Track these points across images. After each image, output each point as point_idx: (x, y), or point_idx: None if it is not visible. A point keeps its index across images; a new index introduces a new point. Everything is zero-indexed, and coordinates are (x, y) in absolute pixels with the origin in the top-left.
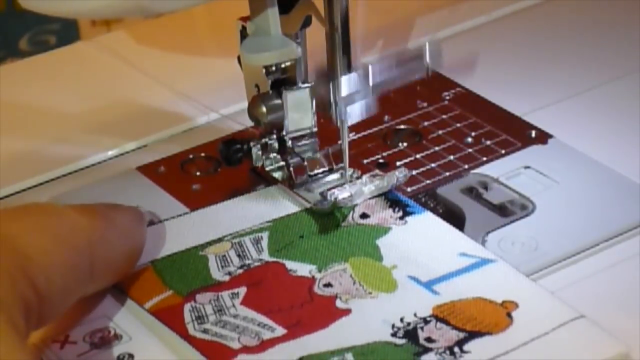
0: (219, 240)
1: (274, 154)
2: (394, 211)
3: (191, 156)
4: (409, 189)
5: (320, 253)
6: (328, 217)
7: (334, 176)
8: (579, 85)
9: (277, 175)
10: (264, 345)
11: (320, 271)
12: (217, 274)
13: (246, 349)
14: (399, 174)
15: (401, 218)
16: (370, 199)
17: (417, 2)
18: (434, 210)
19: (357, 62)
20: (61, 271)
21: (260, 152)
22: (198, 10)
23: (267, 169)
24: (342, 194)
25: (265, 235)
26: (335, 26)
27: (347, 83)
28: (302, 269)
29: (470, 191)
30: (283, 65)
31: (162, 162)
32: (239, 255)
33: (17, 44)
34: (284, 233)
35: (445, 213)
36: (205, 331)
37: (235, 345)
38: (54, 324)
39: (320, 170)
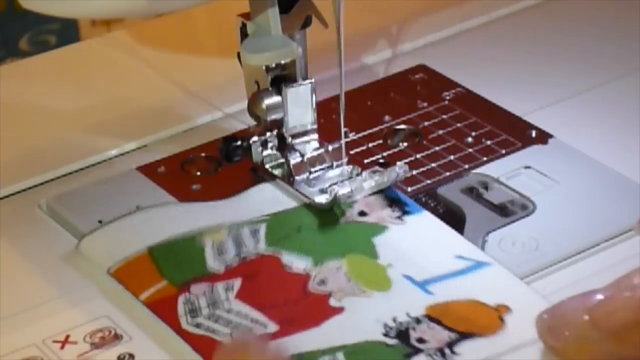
0: (217, 228)
1: (274, 151)
2: (392, 210)
3: (191, 156)
4: (409, 189)
5: (316, 247)
6: (326, 212)
7: (334, 172)
8: (579, 85)
9: (277, 171)
10: None
11: (315, 266)
12: (213, 264)
13: None
14: (399, 170)
15: (399, 217)
16: (369, 195)
17: (417, 2)
18: (434, 210)
19: (357, 63)
20: None
21: (260, 149)
22: (198, 10)
23: (267, 165)
24: (342, 190)
25: (262, 226)
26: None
27: None
28: (298, 263)
29: (471, 191)
30: (283, 62)
31: (162, 162)
32: (236, 245)
33: (17, 44)
34: (281, 225)
35: (445, 213)
36: (197, 325)
37: (227, 340)
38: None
39: (320, 166)
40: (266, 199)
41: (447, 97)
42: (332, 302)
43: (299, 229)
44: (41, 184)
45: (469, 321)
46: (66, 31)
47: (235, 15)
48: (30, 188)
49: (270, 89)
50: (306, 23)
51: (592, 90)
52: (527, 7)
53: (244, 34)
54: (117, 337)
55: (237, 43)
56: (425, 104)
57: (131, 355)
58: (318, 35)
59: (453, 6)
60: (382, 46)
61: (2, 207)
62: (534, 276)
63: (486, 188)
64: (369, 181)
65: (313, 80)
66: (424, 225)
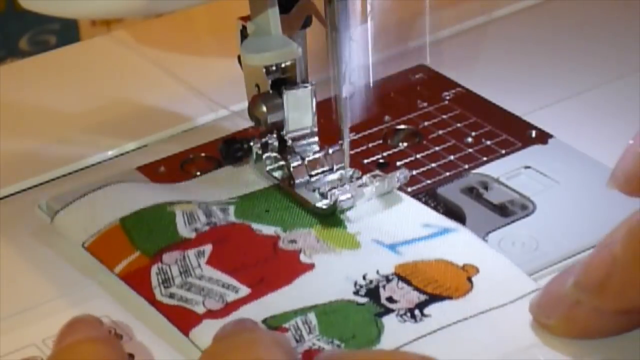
0: (187, 202)
1: (274, 153)
2: None
3: (191, 156)
4: (409, 189)
5: (286, 221)
6: (293, 194)
7: (334, 176)
8: (579, 85)
9: (277, 174)
10: (228, 309)
11: (285, 231)
12: (184, 230)
13: (211, 314)
14: (400, 175)
15: None
16: None
17: (417, 2)
18: (434, 210)
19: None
20: None
21: (260, 151)
22: (198, 10)
23: (267, 168)
24: (343, 195)
25: (232, 207)
26: (335, 26)
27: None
28: (268, 229)
29: (471, 191)
30: (283, 65)
31: (162, 162)
32: (206, 215)
33: (17, 44)
34: (250, 207)
35: (445, 213)
36: (171, 296)
37: (200, 309)
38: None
39: (321, 170)
40: (235, 181)
41: (447, 97)
42: (303, 258)
43: (267, 210)
44: (41, 184)
45: (437, 283)
46: (66, 31)
47: (236, 16)
48: (30, 188)
49: (270, 91)
50: (306, 23)
51: (592, 90)
52: (527, 7)
53: (244, 37)
54: (117, 337)
55: (237, 44)
56: (425, 104)
57: (131, 355)
58: (318, 35)
59: (453, 6)
60: (382, 46)
61: (2, 207)
62: (534, 276)
63: (486, 188)
64: (370, 187)
65: (314, 83)
66: (392, 200)
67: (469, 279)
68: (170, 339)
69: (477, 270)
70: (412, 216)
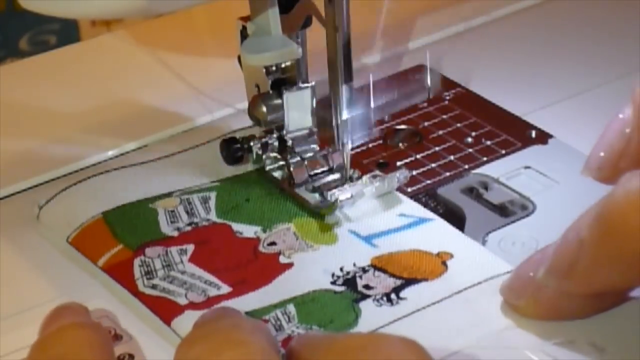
0: (168, 195)
1: (274, 154)
2: None
3: None
4: (409, 189)
5: (265, 215)
6: (274, 181)
7: (334, 176)
8: (579, 85)
9: (277, 174)
10: (210, 302)
11: (265, 232)
12: (167, 229)
13: (193, 305)
14: (400, 175)
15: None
16: None
17: (417, 2)
18: (434, 211)
19: (357, 63)
20: None
21: (260, 151)
22: (198, 10)
23: (267, 168)
24: (343, 195)
25: (212, 195)
26: (335, 26)
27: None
28: (248, 230)
29: (471, 191)
30: (283, 65)
31: None
32: (187, 212)
33: (17, 44)
34: (230, 195)
35: (445, 213)
36: (154, 287)
37: (182, 301)
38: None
39: (320, 170)
40: (214, 159)
41: (447, 97)
42: (282, 259)
43: (247, 199)
44: (41, 184)
45: (412, 268)
46: (66, 31)
47: (236, 16)
48: (30, 188)
49: (270, 92)
50: (306, 23)
51: (592, 90)
52: (527, 7)
53: (244, 37)
54: (117, 337)
55: (237, 44)
56: (425, 104)
57: (131, 356)
58: (318, 35)
59: (453, 6)
60: (382, 46)
61: (2, 207)
62: None
63: (486, 188)
64: (370, 187)
65: (313, 83)
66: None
67: (444, 263)
68: (171, 340)
69: (451, 256)
70: (388, 206)
